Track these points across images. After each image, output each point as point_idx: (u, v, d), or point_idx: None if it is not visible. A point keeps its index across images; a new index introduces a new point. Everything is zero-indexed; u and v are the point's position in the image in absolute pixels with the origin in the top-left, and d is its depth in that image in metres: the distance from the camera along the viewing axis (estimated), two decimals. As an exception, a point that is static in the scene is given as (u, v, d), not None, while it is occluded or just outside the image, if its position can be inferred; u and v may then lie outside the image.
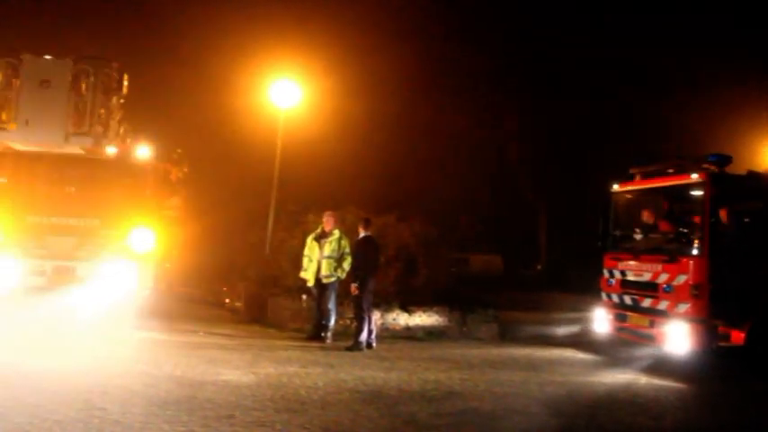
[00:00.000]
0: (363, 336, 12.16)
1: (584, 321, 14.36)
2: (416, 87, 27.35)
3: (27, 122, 12.67)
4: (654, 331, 11.33)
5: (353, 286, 12.32)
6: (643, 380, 10.47)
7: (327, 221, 12.97)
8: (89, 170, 13.73)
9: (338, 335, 12.83)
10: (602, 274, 12.86)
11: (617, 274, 12.43)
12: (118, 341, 11.32)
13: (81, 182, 13.86)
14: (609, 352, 12.54)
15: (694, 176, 11.09)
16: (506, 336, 14.54)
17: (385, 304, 14.10)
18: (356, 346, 12.01)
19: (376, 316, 12.98)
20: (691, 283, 10.75)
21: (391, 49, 25.88)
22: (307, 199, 16.84)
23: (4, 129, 12.72)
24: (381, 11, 26.98)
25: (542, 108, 28.79)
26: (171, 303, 16.09)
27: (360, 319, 12.29)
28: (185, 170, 17.00)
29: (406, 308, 14.35)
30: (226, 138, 24.16)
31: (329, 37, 24.62)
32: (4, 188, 13.42)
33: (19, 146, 13.13)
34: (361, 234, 12.63)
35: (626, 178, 12.76)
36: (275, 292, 15.27)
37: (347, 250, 12.72)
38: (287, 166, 17.88)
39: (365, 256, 12.41)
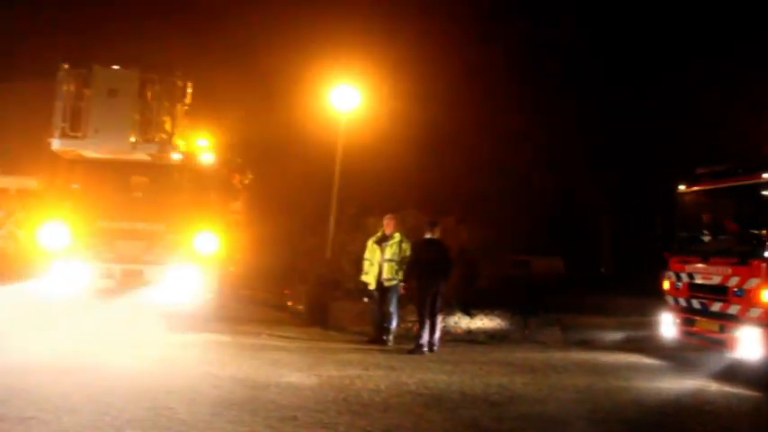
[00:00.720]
0: (424, 338, 12.13)
1: (649, 325, 14.03)
2: (477, 89, 27.17)
3: (96, 131, 13.04)
4: (724, 336, 10.98)
5: (401, 285, 12.33)
6: (713, 386, 10.16)
7: (388, 224, 12.99)
8: (155, 176, 14.07)
9: (399, 338, 12.85)
10: (665, 276, 12.54)
11: (684, 277, 12.11)
12: (184, 342, 11.56)
13: (147, 187, 14.21)
14: (676, 357, 12.22)
15: (766, 176, 10.74)
16: (569, 339, 14.33)
17: (446, 307, 14.06)
18: (417, 349, 12.00)
19: (439, 319, 12.92)
20: (763, 286, 10.40)
21: (452, 51, 25.79)
22: (367, 202, 16.90)
23: (75, 137, 13.13)
24: (443, 14, 26.93)
25: (606, 103, 28.26)
26: (234, 306, 16.34)
27: (421, 320, 12.27)
28: (247, 178, 17.27)
29: (468, 311, 14.28)
30: (286, 142, 24.41)
31: (390, 40, 24.68)
32: (75, 194, 13.86)
33: (89, 153, 13.53)
34: (427, 236, 12.57)
35: (692, 178, 12.43)
36: (337, 296, 15.37)
37: (408, 253, 12.72)
38: (347, 169, 17.97)
39: (434, 260, 12.31)
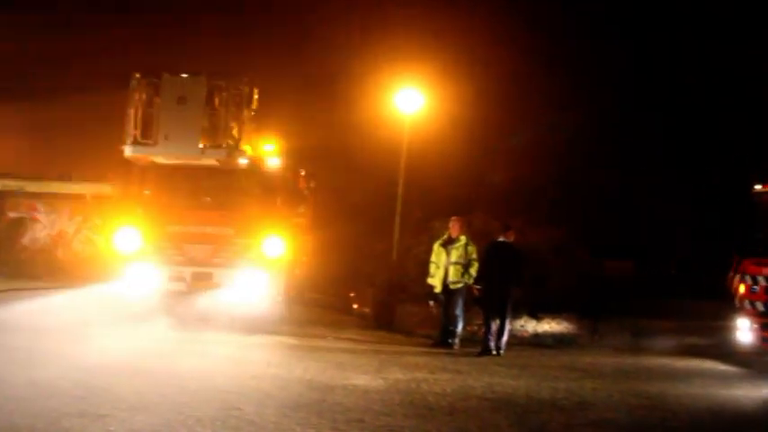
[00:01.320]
0: (491, 342, 12.03)
1: (724, 330, 13.59)
2: (542, 88, 26.81)
3: (167, 137, 13.38)
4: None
5: (475, 288, 12.23)
6: (794, 395, 9.79)
7: (454, 227, 12.94)
8: (223, 181, 14.36)
9: (465, 341, 12.77)
10: (739, 280, 12.11)
11: (762, 281, 11.70)
12: (252, 344, 11.74)
13: (216, 192, 14.50)
14: (754, 364, 11.77)
15: None
16: (641, 344, 13.98)
17: (512, 311, 13.90)
18: (484, 353, 11.90)
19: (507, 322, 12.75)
20: None
21: (518, 52, 25.53)
22: (433, 205, 16.87)
23: (147, 144, 13.49)
24: (508, 16, 26.71)
25: (678, 96, 27.45)
26: (301, 309, 16.52)
27: (487, 323, 12.17)
28: (313, 182, 17.44)
29: (535, 314, 14.10)
30: (351, 146, 24.56)
31: (454, 42, 24.61)
32: (147, 199, 14.23)
33: (160, 159, 13.89)
34: (500, 239, 12.44)
35: (770, 178, 12.00)
36: (402, 299, 15.38)
37: (474, 256, 12.63)
38: (412, 172, 17.97)
39: (506, 264, 12.18)
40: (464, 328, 12.89)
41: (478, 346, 12.23)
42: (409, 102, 17.60)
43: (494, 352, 11.97)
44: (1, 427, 6.37)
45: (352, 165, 24.20)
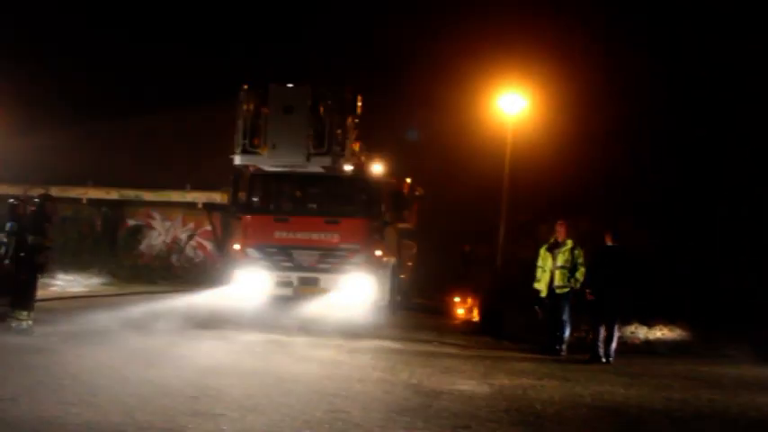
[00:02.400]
0: (600, 349, 11.69)
1: None
2: (652, 90, 25.92)
3: (274, 146, 13.76)
4: None
5: (587, 292, 11.91)
6: None
7: (559, 231, 12.67)
8: (329, 187, 14.61)
9: (573, 347, 12.47)
10: None
11: None
12: (358, 348, 11.86)
13: (322, 198, 14.78)
14: None
15: None
16: (763, 354, 13.25)
17: (622, 317, 13.46)
18: (593, 359, 11.58)
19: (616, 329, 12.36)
20: None
21: (624, 51, 24.79)
22: (538, 209, 16.59)
23: (255, 153, 13.90)
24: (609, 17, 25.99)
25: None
26: (405, 314, 16.59)
27: (595, 329, 11.84)
28: (417, 188, 17.51)
29: (646, 320, 13.61)
30: (455, 150, 24.50)
31: (557, 44, 24.19)
32: (256, 206, 14.64)
33: (267, 167, 14.27)
34: (608, 243, 12.12)
35: None
36: (508, 304, 15.18)
37: (581, 260, 12.33)
38: (517, 175, 17.76)
39: (615, 269, 11.84)
40: (572, 333, 12.58)
41: (587, 352, 11.92)
42: (513, 104, 17.42)
43: (603, 359, 11.64)
44: (122, 423, 6.69)
45: (456, 169, 24.14)
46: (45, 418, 6.72)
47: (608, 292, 11.73)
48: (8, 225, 12.30)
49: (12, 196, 13.67)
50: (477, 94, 21.16)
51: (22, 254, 11.77)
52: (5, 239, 12.15)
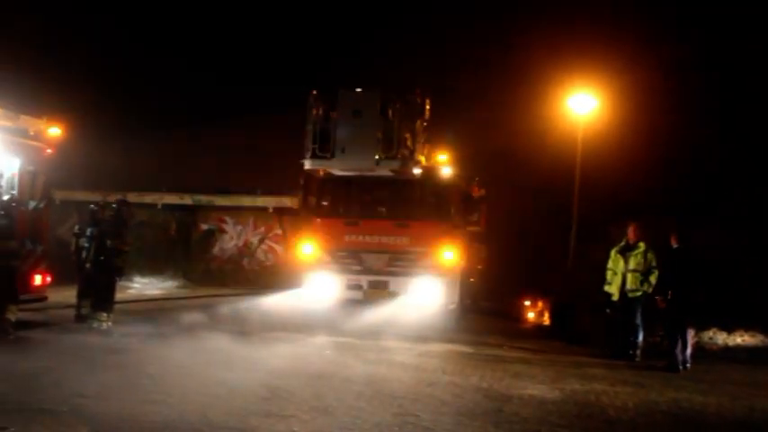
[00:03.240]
0: (677, 355, 11.36)
1: None
2: (723, 88, 25.11)
3: (343, 150, 13.87)
4: None
5: (658, 299, 11.60)
6: None
7: (631, 233, 12.39)
8: (397, 191, 14.64)
9: (646, 352, 12.17)
10: None
11: None
12: (428, 352, 11.84)
13: (391, 202, 14.82)
14: None
15: None
16: None
17: (699, 322, 13.06)
18: (671, 366, 11.24)
19: (690, 334, 12.01)
20: None
21: (691, 52, 24.11)
22: (610, 210, 16.27)
23: (324, 157, 14.05)
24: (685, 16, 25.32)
25: None
26: (475, 317, 16.49)
27: (671, 335, 11.51)
28: (485, 190, 17.40)
29: (725, 326, 13.14)
30: (523, 152, 24.25)
31: (626, 44, 23.69)
32: (325, 210, 14.79)
33: (337, 171, 14.40)
34: (678, 246, 11.79)
35: None
36: (579, 307, 14.93)
37: (654, 263, 12.02)
38: (587, 176, 17.47)
39: (686, 272, 11.51)
40: (645, 338, 12.27)
41: (661, 358, 11.61)
42: (583, 105, 17.16)
43: (680, 367, 11.29)
44: (197, 422, 6.86)
45: (525, 171, 23.88)
46: (124, 416, 6.95)
47: (675, 297, 11.39)
48: (88, 230, 12.77)
49: (91, 202, 14.16)
50: (547, 95, 20.91)
51: (102, 258, 12.19)
52: (86, 244, 12.60)
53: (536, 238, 22.03)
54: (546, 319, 16.70)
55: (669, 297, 11.45)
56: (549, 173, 21.48)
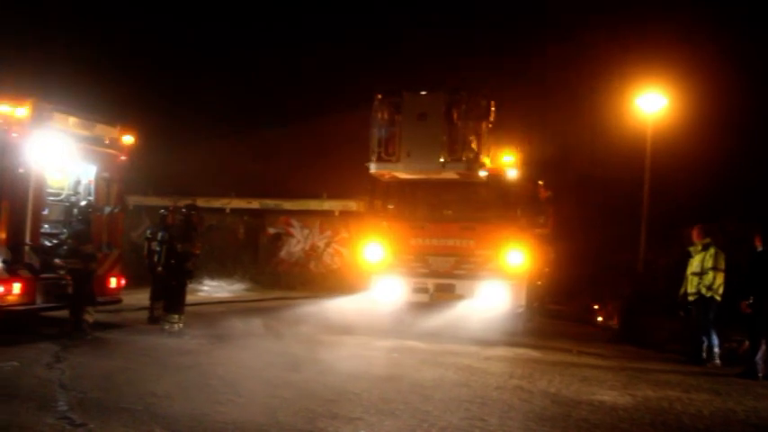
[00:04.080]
0: (759, 361, 10.92)
1: None
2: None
3: (408, 153, 13.86)
4: None
5: (744, 304, 11.19)
6: None
7: (697, 234, 12.07)
8: (463, 193, 14.57)
9: (723, 358, 11.78)
10: None
11: None
12: (495, 356, 11.73)
13: (457, 205, 14.75)
14: None
15: None
16: None
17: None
18: (751, 372, 10.83)
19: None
20: None
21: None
22: (681, 212, 15.85)
23: (390, 160, 14.07)
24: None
25: None
26: (543, 321, 16.27)
27: (753, 341, 11.09)
28: (552, 192, 17.17)
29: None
30: (590, 152, 23.87)
31: (699, 42, 23.09)
32: (391, 213, 14.82)
33: (402, 174, 14.41)
34: (758, 248, 11.36)
35: None
36: (650, 311, 14.57)
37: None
38: (657, 178, 17.07)
39: (765, 276, 11.08)
40: (721, 344, 11.88)
41: (739, 364, 11.22)
42: (652, 105, 16.78)
43: (760, 374, 10.86)
44: (265, 423, 6.95)
45: (593, 172, 23.49)
46: (195, 416, 7.09)
47: (759, 301, 10.96)
48: (159, 234, 13.11)
49: (162, 207, 14.52)
50: (613, 95, 20.54)
51: (173, 261, 12.48)
52: (158, 248, 12.93)
53: (605, 239, 21.61)
54: (616, 323, 16.34)
55: (752, 301, 11.03)
56: (617, 173, 21.09)
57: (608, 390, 9.43)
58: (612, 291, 17.33)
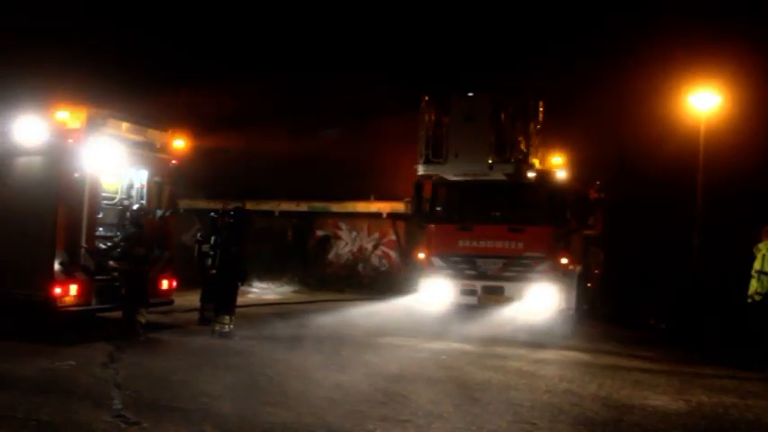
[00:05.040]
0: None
1: None
2: None
3: (456, 155, 13.85)
4: None
5: None
6: None
7: (764, 234, 11.80)
8: (512, 195, 14.46)
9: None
10: None
11: None
12: (544, 359, 11.62)
13: (505, 206, 14.65)
14: None
15: None
16: None
17: None
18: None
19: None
20: None
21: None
22: (737, 210, 15.48)
23: (437, 162, 14.07)
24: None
25: None
26: (592, 323, 16.04)
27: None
28: (602, 195, 16.94)
29: None
30: (641, 152, 23.46)
31: (753, 39, 22.51)
32: (439, 216, 14.78)
33: (450, 176, 14.38)
34: None
35: None
36: (705, 312, 14.27)
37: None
38: (711, 175, 16.71)
39: None
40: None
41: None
42: (705, 102, 16.45)
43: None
44: (314, 424, 7.01)
45: (644, 171, 23.08)
46: (244, 416, 7.19)
47: None
48: (213, 237, 13.29)
49: (211, 210, 14.73)
50: (664, 93, 20.17)
51: (226, 264, 12.63)
52: (211, 252, 13.12)
53: (656, 240, 21.21)
54: (669, 326, 16.03)
55: None
56: (670, 173, 20.70)
57: (660, 394, 9.26)
58: (664, 293, 16.99)
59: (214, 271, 12.91)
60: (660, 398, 9.05)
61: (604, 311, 18.60)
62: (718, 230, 16.99)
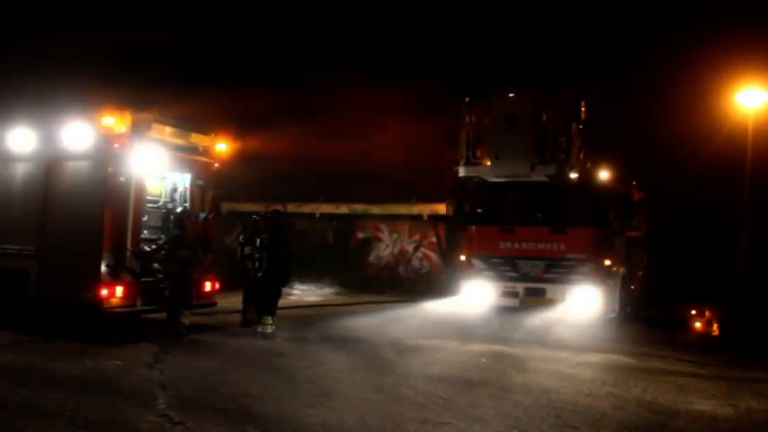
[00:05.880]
0: None
1: None
2: None
3: (497, 156, 13.78)
4: None
5: None
6: None
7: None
8: (554, 196, 14.33)
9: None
10: None
11: None
12: (586, 362, 11.47)
13: (547, 207, 14.53)
14: None
15: None
16: None
17: None
18: None
19: None
20: None
21: None
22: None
23: (478, 164, 14.02)
24: None
25: None
26: (636, 326, 15.79)
27: None
28: (645, 196, 16.71)
29: None
30: (686, 151, 23.04)
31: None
32: (480, 217, 14.71)
33: (491, 178, 14.31)
34: None
35: None
36: (755, 315, 13.96)
37: None
38: (758, 178, 16.35)
39: None
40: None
41: None
42: (753, 99, 16.12)
43: None
44: (354, 426, 7.03)
45: (689, 171, 22.67)
46: (285, 416, 7.25)
47: None
48: (258, 240, 13.40)
49: (253, 213, 14.87)
50: (709, 92, 19.79)
51: (271, 266, 12.73)
52: (256, 253, 13.23)
53: (703, 241, 20.83)
54: (715, 330, 15.75)
55: None
56: (716, 171, 20.31)
57: (707, 399, 9.08)
58: (712, 295, 16.67)
59: (260, 273, 13.00)
60: (707, 403, 8.87)
61: (649, 314, 18.32)
62: (766, 230, 16.62)
